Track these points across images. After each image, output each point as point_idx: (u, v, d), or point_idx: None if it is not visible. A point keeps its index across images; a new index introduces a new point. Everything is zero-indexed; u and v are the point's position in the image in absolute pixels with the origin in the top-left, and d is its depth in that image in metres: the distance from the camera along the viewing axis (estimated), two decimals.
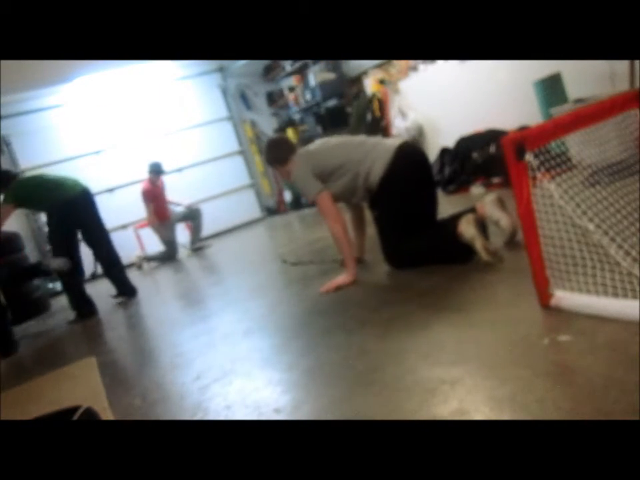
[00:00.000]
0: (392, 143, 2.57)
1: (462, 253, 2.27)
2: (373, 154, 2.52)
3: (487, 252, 2.15)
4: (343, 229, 2.55)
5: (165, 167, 6.54)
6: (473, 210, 2.43)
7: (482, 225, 2.33)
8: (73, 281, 3.98)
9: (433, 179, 2.63)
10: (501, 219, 2.36)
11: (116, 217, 7.35)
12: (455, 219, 2.34)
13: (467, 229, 2.23)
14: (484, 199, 2.45)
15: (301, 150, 2.74)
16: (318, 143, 2.75)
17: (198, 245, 6.59)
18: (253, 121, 8.50)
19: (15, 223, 6.72)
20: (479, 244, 2.17)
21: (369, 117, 6.37)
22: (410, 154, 2.54)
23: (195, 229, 6.65)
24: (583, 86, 3.88)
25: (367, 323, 1.95)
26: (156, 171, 6.38)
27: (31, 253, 6.46)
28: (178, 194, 6.98)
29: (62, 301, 5.94)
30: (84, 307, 4.03)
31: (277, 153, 2.78)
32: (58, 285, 6.64)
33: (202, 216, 6.66)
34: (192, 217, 6.62)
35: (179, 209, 6.60)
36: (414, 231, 2.47)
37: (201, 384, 1.87)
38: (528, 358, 1.31)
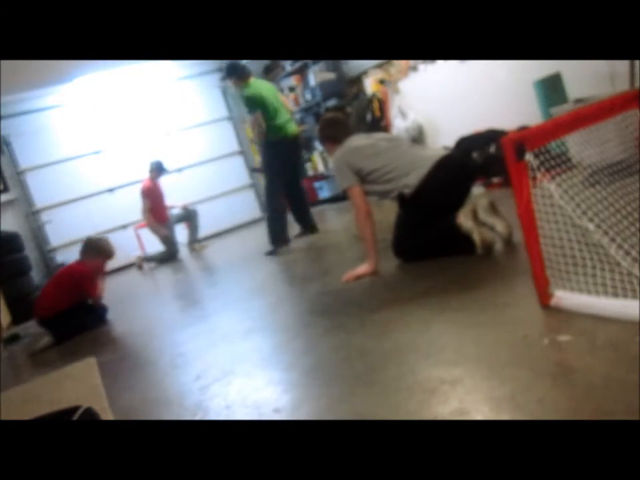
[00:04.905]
0: (433, 154, 2.55)
1: (463, 244, 2.36)
2: (412, 165, 2.53)
3: (482, 243, 2.30)
4: (368, 222, 2.58)
5: (166, 166, 6.52)
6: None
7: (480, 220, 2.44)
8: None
9: (466, 192, 2.59)
10: (496, 224, 2.42)
11: (116, 217, 7.35)
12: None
13: (465, 221, 2.36)
14: (477, 202, 2.48)
15: (346, 143, 2.72)
16: (362, 142, 2.70)
17: (197, 245, 6.59)
18: None
19: (15, 223, 6.73)
20: (476, 235, 2.31)
21: (369, 116, 6.37)
22: (446, 169, 2.50)
23: (193, 228, 6.66)
24: (583, 86, 3.87)
25: (367, 322, 1.95)
26: (157, 169, 6.36)
27: (31, 253, 6.45)
28: (178, 194, 6.97)
29: None
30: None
31: (332, 132, 2.82)
32: None
33: (198, 216, 6.69)
34: (189, 217, 6.64)
35: (175, 211, 6.62)
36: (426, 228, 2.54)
37: (201, 384, 1.87)
38: (528, 358, 1.31)
